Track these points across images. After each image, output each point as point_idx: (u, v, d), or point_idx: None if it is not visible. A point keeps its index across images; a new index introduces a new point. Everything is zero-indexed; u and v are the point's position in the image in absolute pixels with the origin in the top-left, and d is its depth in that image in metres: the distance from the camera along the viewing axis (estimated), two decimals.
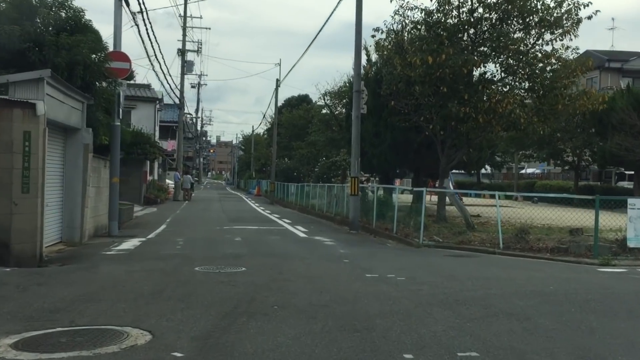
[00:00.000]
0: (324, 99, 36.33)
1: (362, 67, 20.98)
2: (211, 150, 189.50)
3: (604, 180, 51.05)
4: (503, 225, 17.96)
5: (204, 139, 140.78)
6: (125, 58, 17.45)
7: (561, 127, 27.98)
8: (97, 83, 16.62)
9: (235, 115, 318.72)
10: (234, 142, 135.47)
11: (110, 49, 17.44)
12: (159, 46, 49.71)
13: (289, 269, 10.89)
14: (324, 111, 40.22)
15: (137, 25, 22.66)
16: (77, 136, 15.23)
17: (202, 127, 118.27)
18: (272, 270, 10.62)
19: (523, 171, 62.85)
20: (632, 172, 43.27)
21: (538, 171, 64.04)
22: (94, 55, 15.94)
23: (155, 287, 8.88)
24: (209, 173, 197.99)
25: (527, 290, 9.15)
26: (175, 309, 7.46)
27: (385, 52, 19.49)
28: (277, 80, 44.64)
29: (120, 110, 17.74)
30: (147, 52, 62.47)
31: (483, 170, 54.18)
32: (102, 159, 18.03)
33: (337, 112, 36.01)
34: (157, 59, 46.48)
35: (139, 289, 8.73)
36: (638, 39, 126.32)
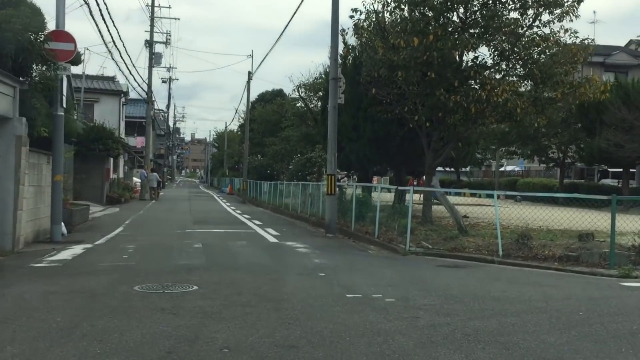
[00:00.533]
0: (298, 92, 34.27)
1: (339, 52, 18.93)
2: (185, 148, 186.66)
3: (587, 178, 49.73)
4: (494, 228, 16.11)
5: (177, 136, 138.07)
6: (69, 38, 15.24)
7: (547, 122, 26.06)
8: (34, 66, 14.42)
9: (210, 113, 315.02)
10: (208, 139, 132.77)
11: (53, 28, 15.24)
12: (117, 32, 46.62)
13: (251, 287, 8.83)
14: (298, 104, 38.14)
15: (87, 4, 20.31)
16: (7, 127, 13.01)
17: (174, 123, 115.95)
18: (229, 290, 8.55)
19: (502, 168, 61.32)
20: (616, 170, 41.99)
21: (518, 168, 62.59)
22: (30, 33, 13.74)
23: (72, 317, 6.78)
24: (183, 171, 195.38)
25: (552, 317, 7.20)
26: (85, 355, 5.39)
27: (365, 34, 17.45)
28: (249, 72, 42.46)
29: (64, 98, 15.50)
30: (102, 37, 59.12)
31: (461, 168, 52.47)
32: (44, 154, 15.83)
33: (312, 106, 33.99)
34: (116, 46, 43.44)
35: (49, 321, 6.63)
36: (619, 33, 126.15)
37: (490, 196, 38.05)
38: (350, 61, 21.88)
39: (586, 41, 16.84)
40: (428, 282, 9.62)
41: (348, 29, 18.10)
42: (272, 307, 7.45)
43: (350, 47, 18.77)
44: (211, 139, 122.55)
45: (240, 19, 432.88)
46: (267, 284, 9.14)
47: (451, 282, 9.60)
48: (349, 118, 21.88)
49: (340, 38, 19.30)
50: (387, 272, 10.72)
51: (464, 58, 17.05)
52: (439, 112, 16.93)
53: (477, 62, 16.66)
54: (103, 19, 26.45)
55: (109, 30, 45.09)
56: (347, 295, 8.32)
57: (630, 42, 55.66)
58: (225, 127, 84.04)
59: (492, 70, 16.73)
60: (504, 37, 16.17)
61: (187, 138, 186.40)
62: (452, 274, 10.58)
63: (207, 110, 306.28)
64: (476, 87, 16.23)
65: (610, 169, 43.90)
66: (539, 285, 9.54)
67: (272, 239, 16.59)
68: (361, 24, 17.44)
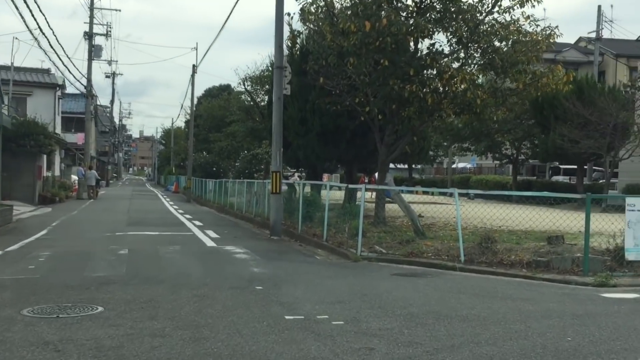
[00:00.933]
0: (244, 85, 32.58)
1: (285, 39, 17.39)
2: (132, 145, 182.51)
3: (538, 175, 49.38)
4: (453, 229, 14.89)
5: (124, 133, 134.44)
6: None
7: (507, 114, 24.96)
8: None
9: (160, 110, 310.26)
10: (156, 136, 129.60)
11: None
12: (45, 18, 43.56)
13: (170, 307, 7.28)
14: (243, 98, 36.47)
15: None
16: None
17: (120, 120, 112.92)
18: (142, 312, 6.98)
19: (454, 166, 60.72)
20: (568, 167, 41.51)
21: (470, 165, 62.05)
22: None
23: None
24: (131, 169, 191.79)
25: (535, 345, 5.87)
26: None
27: (312, 19, 15.98)
28: (194, 66, 40.51)
29: None
30: (25, 22, 55.59)
31: (413, 165, 51.41)
32: None
33: (259, 100, 32.39)
34: (44, 34, 40.45)
35: None
36: (566, 32, 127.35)
37: (445, 194, 37.23)
38: (297, 51, 20.44)
39: (548, 29, 15.72)
40: (383, 296, 8.20)
41: (294, 13, 16.57)
42: (189, 337, 5.93)
43: (296, 32, 17.28)
44: (158, 136, 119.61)
45: (189, 16, 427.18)
46: (190, 302, 7.59)
47: (410, 297, 8.21)
48: (296, 111, 20.46)
49: (286, 27, 17.82)
50: (336, 283, 9.28)
51: (420, 46, 15.76)
52: (393, 104, 15.63)
53: (434, 50, 15.34)
54: (26, 2, 24.01)
55: (33, 16, 41.04)
56: (287, 317, 6.85)
57: (580, 39, 55.63)
58: (172, 123, 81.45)
59: (450, 58, 15.45)
60: (462, 23, 14.91)
61: (135, 135, 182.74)
62: (410, 285, 9.19)
63: (157, 107, 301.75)
64: (433, 75, 14.95)
65: (561, 166, 43.53)
66: (511, 298, 8.23)
67: (210, 243, 15.01)
68: (308, 8, 15.95)
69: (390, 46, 14.24)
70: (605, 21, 56.25)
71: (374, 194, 18.92)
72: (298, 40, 19.13)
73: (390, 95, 15.08)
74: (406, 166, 47.00)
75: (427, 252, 11.92)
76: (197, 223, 21.24)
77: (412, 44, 15.25)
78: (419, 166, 59.32)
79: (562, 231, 14.04)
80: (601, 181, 36.67)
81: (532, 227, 14.57)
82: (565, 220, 12.73)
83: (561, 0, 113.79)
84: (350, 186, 16.44)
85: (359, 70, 15.23)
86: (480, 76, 15.92)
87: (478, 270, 10.62)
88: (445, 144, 46.02)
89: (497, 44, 14.98)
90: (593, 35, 47.01)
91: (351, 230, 13.51)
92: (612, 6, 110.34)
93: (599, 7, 45.96)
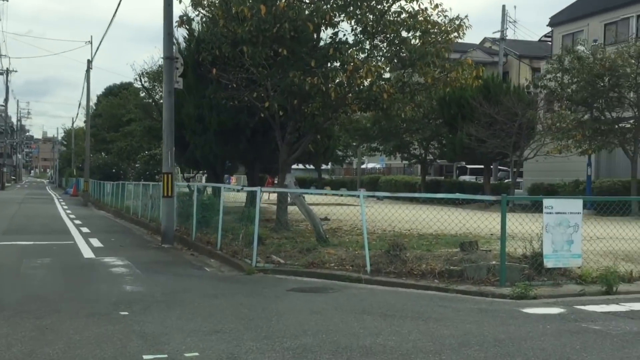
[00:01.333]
0: (141, 81, 30.58)
1: (175, 25, 15.77)
2: (33, 147, 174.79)
3: (446, 175, 49.48)
4: (359, 233, 13.76)
5: (24, 134, 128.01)
6: None
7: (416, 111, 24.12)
8: None
9: (65, 110, 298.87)
10: (57, 137, 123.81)
11: None
12: None
13: None
14: (142, 94, 34.39)
15: None
16: None
17: (19, 120, 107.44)
18: None
19: (364, 166, 60.24)
20: (474, 167, 41.58)
21: (379, 166, 61.76)
22: None
23: None
24: (32, 171, 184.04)
25: None
26: None
27: (204, 3, 14.48)
28: (89, 60, 38.02)
29: None
30: None
31: (322, 165, 50.40)
32: None
33: (157, 97, 30.49)
34: None
35: None
36: (474, 32, 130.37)
37: (352, 195, 36.19)
38: (194, 42, 18.84)
39: (457, 20, 14.83)
40: (273, 321, 6.85)
41: None
42: None
43: (185, 17, 15.67)
44: (60, 137, 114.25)
45: (93, 12, 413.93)
46: (26, 338, 6.00)
47: (305, 321, 6.89)
48: (192, 108, 18.85)
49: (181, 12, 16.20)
50: (220, 305, 7.85)
51: (322, 35, 14.55)
52: (294, 99, 14.36)
53: (337, 39, 14.13)
54: None
55: None
56: (145, 358, 5.40)
57: (485, 39, 56.28)
58: (72, 123, 77.37)
59: (354, 48, 14.26)
60: (367, 11, 13.77)
61: (38, 136, 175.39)
62: (307, 305, 7.87)
63: (62, 107, 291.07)
64: (337, 68, 13.76)
65: (468, 166, 43.65)
66: (422, 318, 7.07)
67: (89, 254, 13.25)
68: None
69: (289, 33, 12.95)
70: (510, 21, 57.21)
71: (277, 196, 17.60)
72: (195, 30, 17.53)
73: (290, 89, 13.78)
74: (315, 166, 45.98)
75: (330, 262, 10.65)
76: (85, 230, 19.34)
77: (314, 33, 14.00)
78: (328, 166, 58.49)
79: (473, 234, 13.19)
80: (506, 180, 36.78)
81: (442, 229, 13.67)
82: (475, 221, 11.87)
83: (466, 2, 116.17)
84: (246, 188, 15.04)
85: (256, 61, 13.86)
86: (387, 69, 14.87)
87: (386, 282, 9.46)
88: (354, 143, 45.28)
89: (404, 34, 13.93)
90: (498, 35, 47.48)
91: (247, 237, 12.12)
92: (515, 7, 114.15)
93: (504, 6, 46.50)
